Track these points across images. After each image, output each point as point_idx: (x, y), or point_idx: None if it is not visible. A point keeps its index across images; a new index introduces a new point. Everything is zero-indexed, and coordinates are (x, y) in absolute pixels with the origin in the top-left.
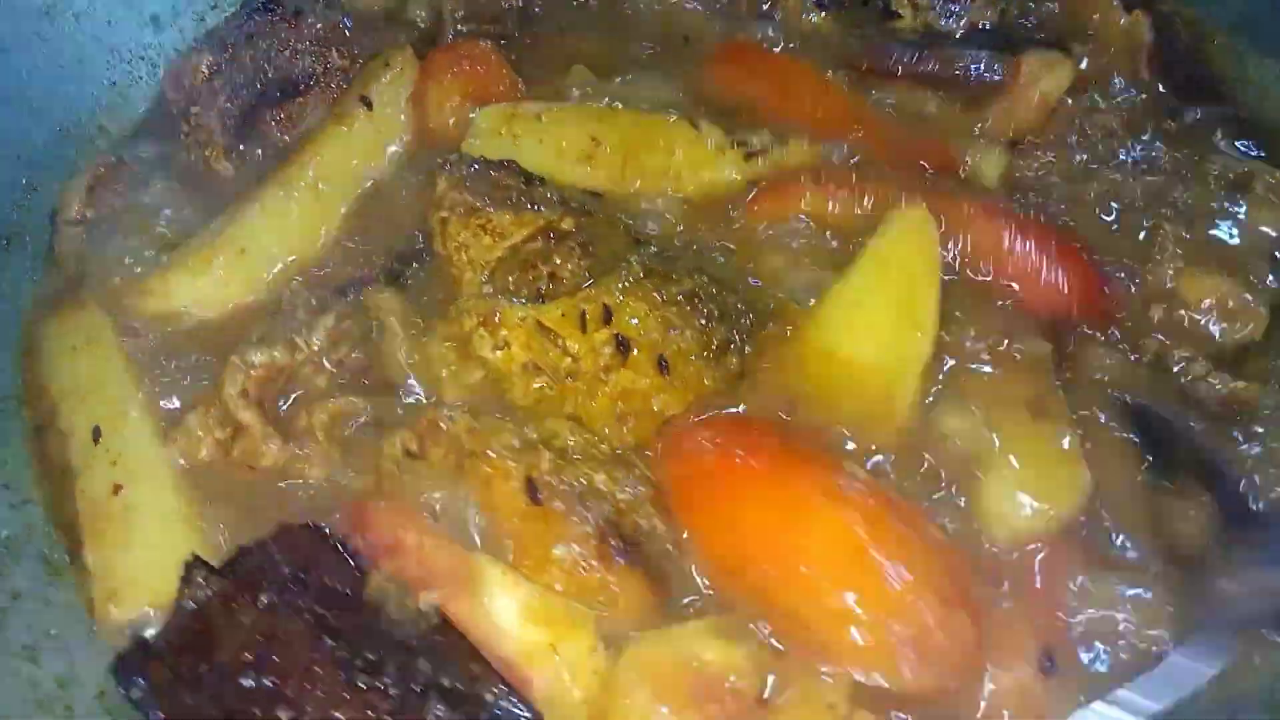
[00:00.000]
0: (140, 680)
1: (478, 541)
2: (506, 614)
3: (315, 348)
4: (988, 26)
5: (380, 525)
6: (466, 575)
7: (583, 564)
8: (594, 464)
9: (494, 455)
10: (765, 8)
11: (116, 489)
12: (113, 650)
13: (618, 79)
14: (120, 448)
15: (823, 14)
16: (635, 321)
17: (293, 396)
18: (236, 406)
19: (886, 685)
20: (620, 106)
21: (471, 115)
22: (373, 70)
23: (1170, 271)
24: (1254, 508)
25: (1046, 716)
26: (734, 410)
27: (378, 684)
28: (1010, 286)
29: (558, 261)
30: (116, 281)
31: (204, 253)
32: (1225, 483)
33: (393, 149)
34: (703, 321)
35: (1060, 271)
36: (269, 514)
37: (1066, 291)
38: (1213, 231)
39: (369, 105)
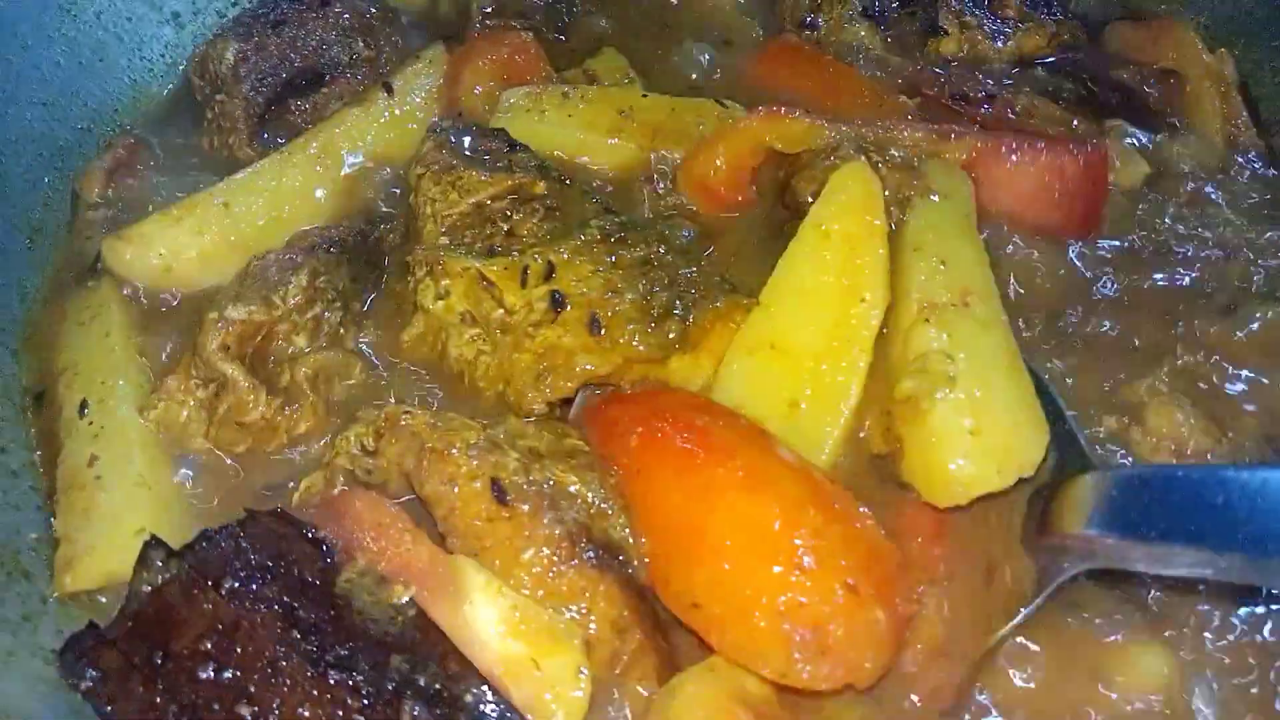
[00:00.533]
0: (90, 670)
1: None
2: (487, 623)
3: (291, 304)
4: (1048, 60)
5: (359, 516)
6: (448, 577)
7: (553, 568)
8: (563, 465)
9: (457, 454)
10: (809, 18)
11: (92, 459)
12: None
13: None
14: (102, 420)
15: (867, 24)
16: (575, 281)
17: (273, 358)
18: (220, 361)
19: (787, 682)
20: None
21: (500, 94)
22: (404, 62)
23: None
24: None
25: None
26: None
27: (348, 680)
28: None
29: (518, 221)
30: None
31: (186, 203)
32: None
33: (412, 134)
34: (646, 287)
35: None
36: (249, 499)
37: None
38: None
39: (390, 91)
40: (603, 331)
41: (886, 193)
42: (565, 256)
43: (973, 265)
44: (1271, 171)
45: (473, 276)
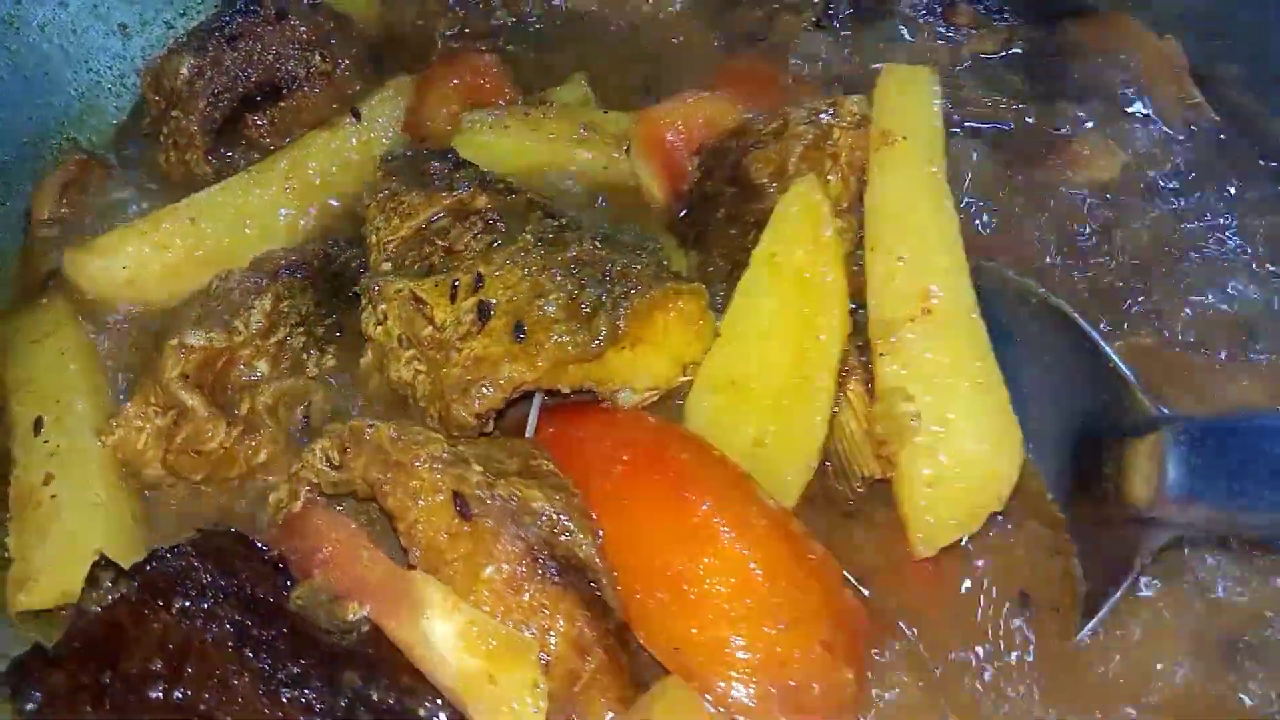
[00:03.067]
0: (35, 691)
1: (405, 556)
2: (443, 639)
3: (253, 330)
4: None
5: (318, 531)
6: (404, 593)
7: (514, 585)
8: (528, 481)
9: (421, 467)
10: (761, 31)
11: (48, 478)
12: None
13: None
14: (60, 439)
15: (819, 34)
16: (502, 289)
17: (232, 385)
18: (178, 389)
19: None
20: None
21: (463, 116)
22: (371, 88)
23: None
24: None
25: None
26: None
27: (301, 697)
28: None
29: (455, 236)
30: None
31: (152, 218)
32: None
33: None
34: (575, 286)
35: None
36: (207, 515)
37: None
38: None
39: (358, 117)
40: (526, 336)
41: (843, 166)
42: (496, 266)
43: (936, 248)
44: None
45: (405, 298)
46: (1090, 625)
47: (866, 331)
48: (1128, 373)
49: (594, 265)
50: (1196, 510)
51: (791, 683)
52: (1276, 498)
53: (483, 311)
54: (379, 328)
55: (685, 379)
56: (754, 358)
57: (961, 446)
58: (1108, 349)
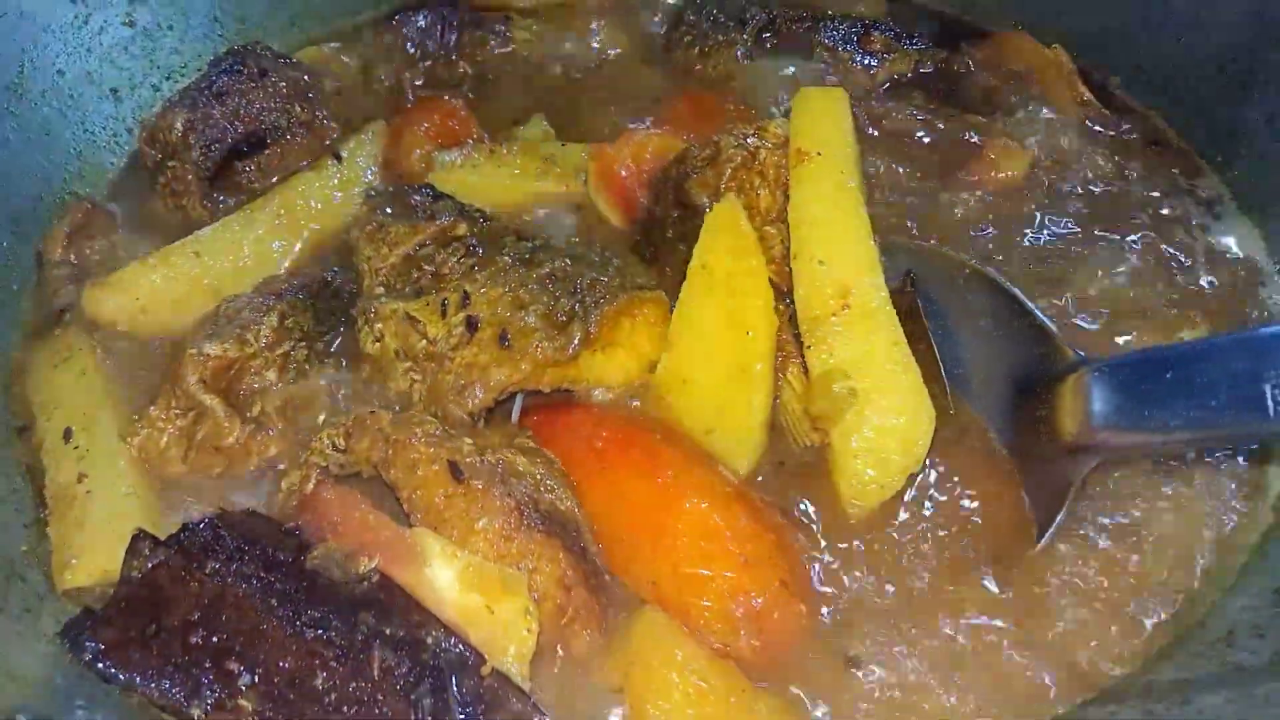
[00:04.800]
0: (89, 643)
1: (408, 521)
2: (445, 581)
3: (262, 343)
4: (908, 77)
5: (329, 504)
6: (406, 548)
7: (504, 535)
8: (513, 449)
9: (418, 442)
10: (698, 66)
11: (81, 477)
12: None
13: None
14: (88, 444)
15: (748, 64)
16: (486, 304)
17: (244, 389)
18: (198, 392)
19: (729, 652)
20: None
21: (435, 155)
22: (349, 132)
23: None
24: None
25: None
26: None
27: (323, 635)
28: None
29: (440, 261)
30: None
31: (160, 253)
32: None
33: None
34: (551, 298)
35: None
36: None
37: None
38: None
39: (339, 159)
40: (511, 344)
41: (770, 182)
42: (480, 284)
43: (849, 249)
44: (1125, 126)
45: (400, 316)
46: (1041, 544)
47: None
48: (1050, 326)
49: (566, 279)
50: (1117, 434)
51: (753, 606)
52: (1183, 415)
53: (471, 324)
54: (376, 344)
55: (650, 374)
56: (697, 357)
57: (882, 421)
58: (1031, 306)
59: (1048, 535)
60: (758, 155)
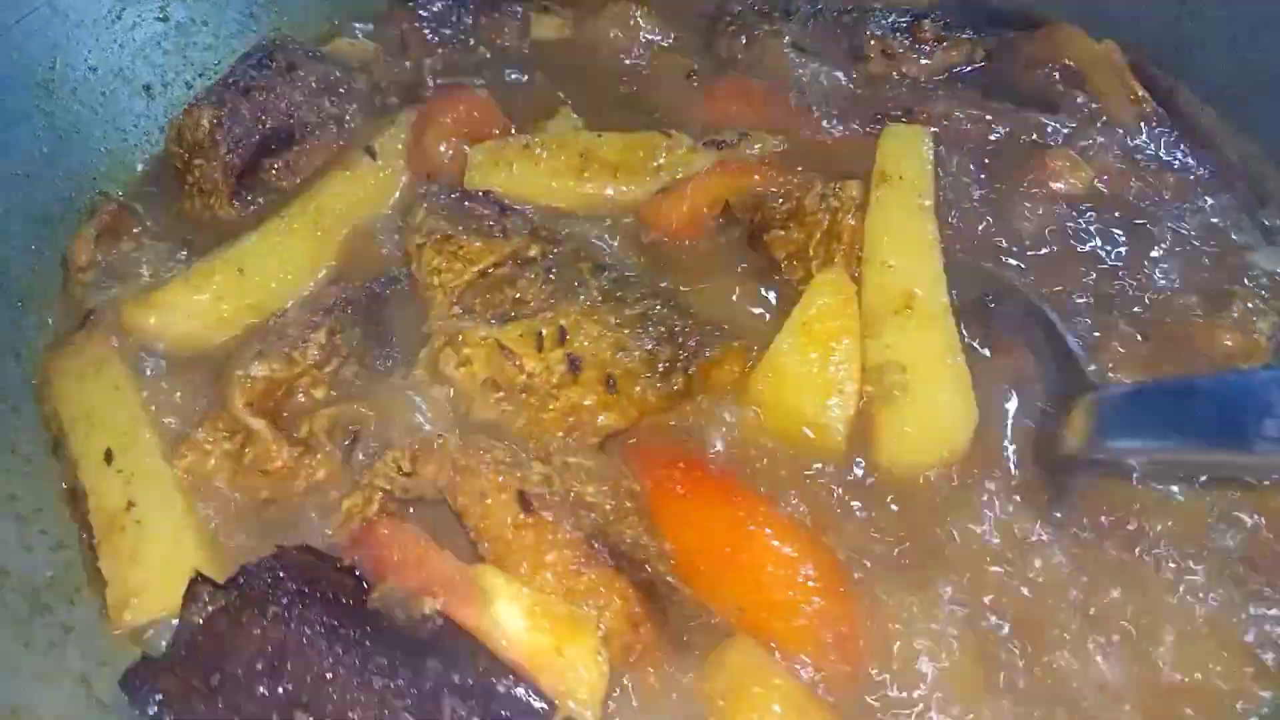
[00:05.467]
0: (152, 694)
1: (470, 552)
2: (511, 621)
3: (310, 361)
4: (965, 70)
5: (383, 543)
6: (470, 585)
7: (573, 568)
8: (583, 477)
9: (486, 470)
10: (743, 55)
11: (129, 505)
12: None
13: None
14: (132, 467)
15: (797, 54)
16: (587, 343)
17: (291, 410)
18: (245, 415)
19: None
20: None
21: (466, 151)
22: (379, 126)
23: None
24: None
25: None
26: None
27: (391, 684)
28: None
29: (522, 285)
30: (121, 302)
31: (203, 269)
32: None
33: (395, 192)
34: (650, 344)
35: None
36: (274, 534)
37: None
38: None
39: (374, 155)
40: (617, 389)
41: (845, 246)
42: (575, 319)
43: (918, 260)
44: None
45: (492, 345)
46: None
47: None
48: (1080, 352)
49: (661, 323)
50: (1116, 451)
51: (839, 629)
52: (1169, 442)
53: (573, 364)
54: (461, 369)
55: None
56: (783, 406)
57: (928, 411)
58: (1069, 336)
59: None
60: (837, 218)
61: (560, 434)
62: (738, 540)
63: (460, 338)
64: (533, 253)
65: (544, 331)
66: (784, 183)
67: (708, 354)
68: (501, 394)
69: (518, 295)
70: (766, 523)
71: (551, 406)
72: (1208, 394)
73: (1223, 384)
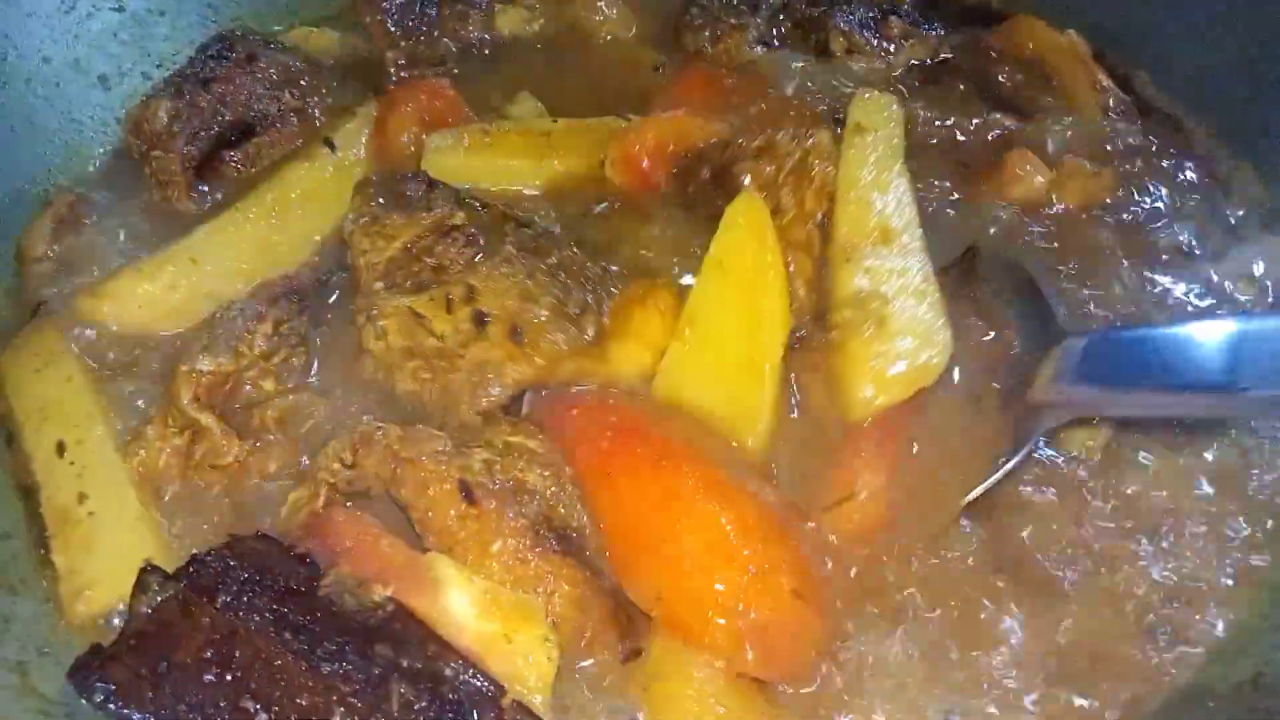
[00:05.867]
0: (99, 683)
1: (421, 542)
2: (461, 609)
3: (257, 352)
4: (928, 63)
5: (340, 529)
6: (421, 574)
7: (519, 556)
8: (523, 463)
9: (426, 461)
10: (709, 48)
11: (82, 498)
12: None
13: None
14: (85, 460)
15: (762, 48)
16: (494, 297)
17: (241, 401)
18: (193, 411)
19: (735, 670)
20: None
21: (425, 140)
22: (339, 117)
23: None
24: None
25: None
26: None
27: (340, 669)
28: None
29: (440, 253)
30: (74, 292)
31: (156, 259)
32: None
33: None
34: (561, 289)
35: None
36: (228, 525)
37: None
38: None
39: (332, 147)
40: (524, 338)
41: (814, 187)
42: (483, 276)
43: (893, 198)
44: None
45: (404, 313)
46: (984, 486)
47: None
48: (1056, 310)
49: (576, 269)
50: (1080, 396)
51: (760, 623)
52: (1143, 386)
53: (479, 319)
54: (379, 342)
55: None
56: (706, 352)
57: (903, 336)
58: (1048, 289)
59: (989, 481)
60: (808, 161)
61: (467, 394)
62: (657, 520)
63: (375, 310)
64: (457, 220)
65: (453, 293)
66: (753, 126)
67: (626, 293)
68: (417, 362)
69: (435, 263)
70: (689, 499)
71: (459, 365)
72: (1169, 340)
73: (1182, 331)
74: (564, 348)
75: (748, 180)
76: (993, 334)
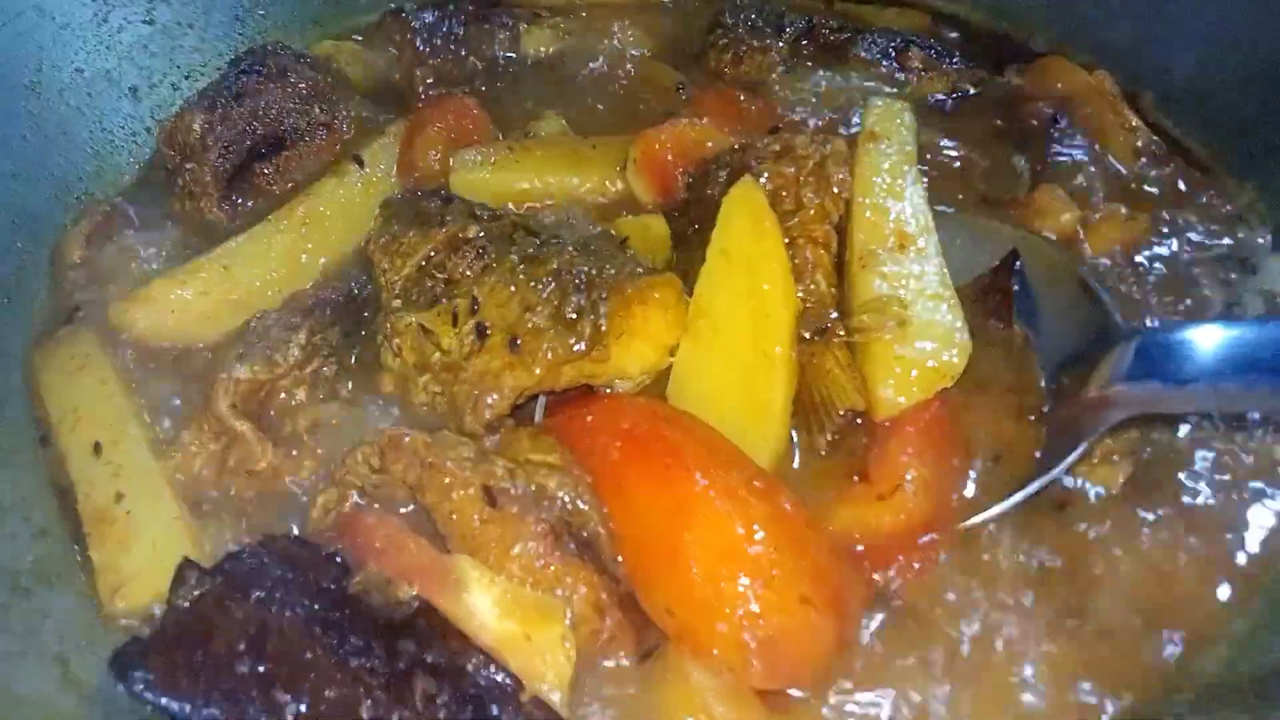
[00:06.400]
0: (137, 673)
1: (443, 545)
2: (483, 608)
3: (292, 362)
4: (952, 97)
5: (368, 530)
6: (445, 574)
7: (539, 559)
8: (545, 471)
9: (452, 466)
10: (731, 70)
11: (119, 496)
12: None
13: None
14: (120, 460)
15: (783, 72)
16: (496, 308)
17: (275, 409)
18: (230, 418)
19: (742, 682)
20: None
21: (453, 155)
22: (368, 134)
23: None
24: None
25: None
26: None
27: (366, 663)
28: None
29: (452, 267)
30: (109, 299)
31: (189, 268)
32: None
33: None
34: (560, 295)
35: None
36: (260, 526)
37: None
38: None
39: (361, 164)
40: (521, 347)
41: (829, 190)
42: (490, 287)
43: (909, 204)
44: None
45: (414, 329)
46: (1038, 484)
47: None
48: (1117, 317)
49: (572, 274)
50: (1140, 393)
51: (768, 633)
52: (1200, 386)
53: (480, 331)
54: (396, 359)
55: (672, 359)
56: (716, 343)
57: (922, 338)
58: (1102, 293)
59: (1044, 480)
60: (826, 163)
61: (470, 406)
62: (666, 531)
63: (390, 328)
64: (470, 233)
65: (458, 306)
66: (771, 132)
67: (623, 292)
68: (428, 376)
69: (447, 276)
70: (697, 509)
71: (462, 377)
72: (1227, 336)
73: (1238, 327)
74: (560, 354)
75: (765, 179)
76: (1038, 335)
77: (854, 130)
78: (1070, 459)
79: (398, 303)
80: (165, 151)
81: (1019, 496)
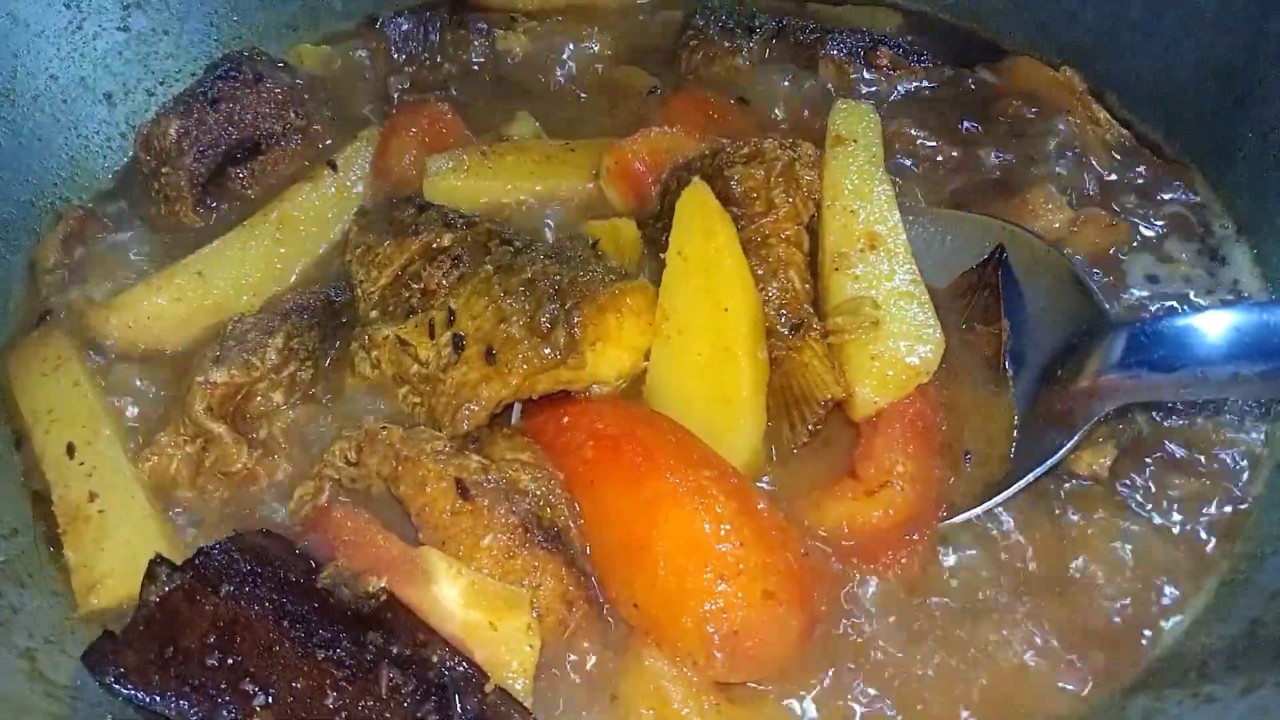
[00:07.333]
0: (110, 667)
1: (416, 536)
2: (450, 599)
3: (268, 365)
4: (925, 92)
5: (338, 524)
6: (413, 566)
7: (508, 551)
8: (516, 466)
9: (426, 459)
10: (703, 69)
11: (92, 496)
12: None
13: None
14: (94, 461)
15: (751, 70)
16: (472, 319)
17: (251, 412)
18: (206, 420)
19: (706, 676)
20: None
21: (426, 160)
22: (342, 139)
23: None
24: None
25: None
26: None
27: (333, 655)
28: None
29: (427, 277)
30: (84, 304)
31: (165, 273)
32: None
33: (356, 204)
34: (533, 305)
35: None
36: (233, 522)
37: None
38: None
39: (335, 168)
40: (497, 358)
41: (800, 192)
42: (466, 298)
43: (877, 206)
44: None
45: (391, 342)
46: (1033, 475)
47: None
48: (1104, 305)
49: (545, 283)
50: (1133, 382)
51: (731, 627)
52: (1188, 373)
53: (457, 343)
54: (375, 371)
55: (647, 363)
56: (681, 343)
57: (897, 337)
58: (1092, 285)
59: (1039, 471)
60: (794, 167)
61: (449, 417)
62: (634, 528)
63: (368, 339)
64: (444, 242)
65: (435, 318)
66: (741, 138)
67: (595, 300)
68: (406, 388)
69: (423, 287)
70: (664, 506)
71: (441, 390)
72: (1216, 324)
73: (1227, 314)
74: (536, 363)
75: (735, 181)
76: (1025, 330)
77: (822, 130)
78: (1066, 448)
79: (375, 314)
80: (141, 156)
81: (1013, 490)
